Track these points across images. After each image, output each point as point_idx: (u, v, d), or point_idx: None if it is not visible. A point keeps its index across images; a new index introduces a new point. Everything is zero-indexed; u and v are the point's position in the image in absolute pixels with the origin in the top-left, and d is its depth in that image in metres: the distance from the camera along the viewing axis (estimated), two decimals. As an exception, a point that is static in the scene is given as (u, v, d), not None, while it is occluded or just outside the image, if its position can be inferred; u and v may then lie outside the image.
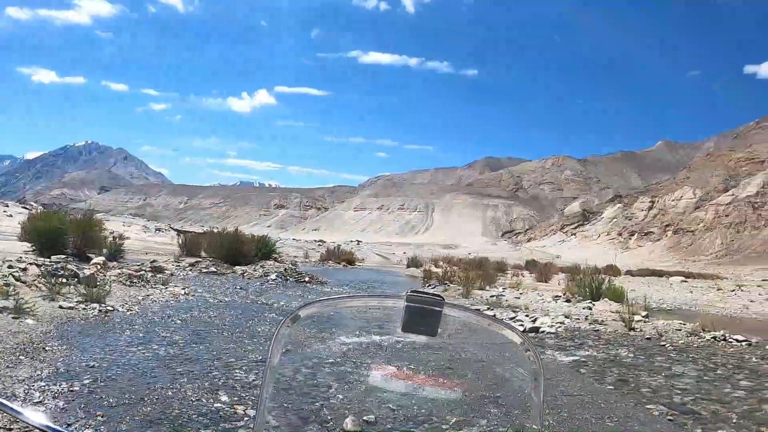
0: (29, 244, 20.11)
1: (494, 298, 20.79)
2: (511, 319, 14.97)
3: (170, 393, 6.12)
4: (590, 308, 18.29)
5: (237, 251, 26.45)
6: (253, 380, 6.98)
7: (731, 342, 13.42)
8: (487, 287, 25.33)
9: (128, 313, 11.04)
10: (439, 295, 1.25)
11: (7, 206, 56.69)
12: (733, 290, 37.28)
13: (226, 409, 5.88)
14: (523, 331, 8.25)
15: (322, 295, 18.56)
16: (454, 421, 4.17)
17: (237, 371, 7.38)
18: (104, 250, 21.34)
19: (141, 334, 9.18)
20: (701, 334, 14.04)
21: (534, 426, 1.31)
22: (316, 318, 1.32)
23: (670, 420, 6.81)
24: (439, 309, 1.23)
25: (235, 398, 6.21)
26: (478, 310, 1.20)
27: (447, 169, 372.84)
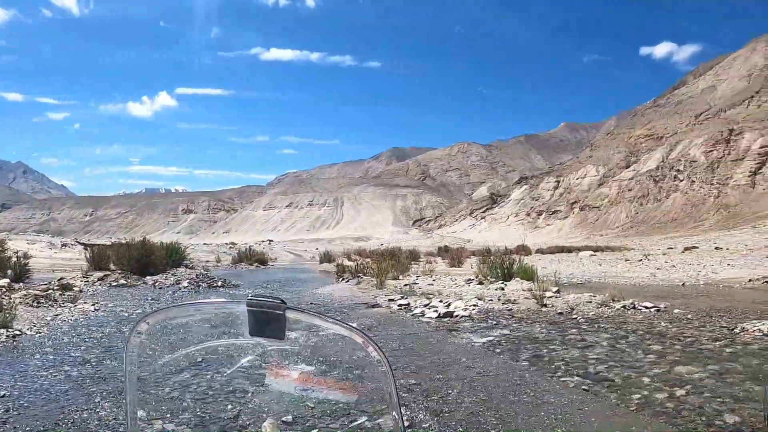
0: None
1: (407, 286, 20.89)
2: (426, 305, 15.07)
3: (85, 414, 5.99)
4: (503, 289, 18.62)
5: (146, 261, 26.02)
6: (168, 393, 6.88)
7: (640, 309, 13.85)
8: (401, 276, 25.47)
9: (37, 335, 10.73)
10: (279, 299, 1.29)
11: None
12: (640, 260, 38.39)
13: (143, 425, 5.78)
14: (438, 317, 8.39)
15: (235, 298, 18.45)
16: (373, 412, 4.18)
17: (151, 386, 7.26)
18: (8, 272, 20.72)
19: (52, 357, 8.94)
20: (611, 304, 14.43)
21: (394, 414, 1.34)
22: (165, 326, 1.33)
23: (585, 390, 6.97)
24: (281, 312, 1.25)
25: (152, 412, 6.12)
26: (322, 314, 1.20)
27: (354, 162, 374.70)
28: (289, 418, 5.29)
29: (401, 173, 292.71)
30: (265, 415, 5.76)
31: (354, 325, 1.33)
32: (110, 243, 42.15)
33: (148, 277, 23.87)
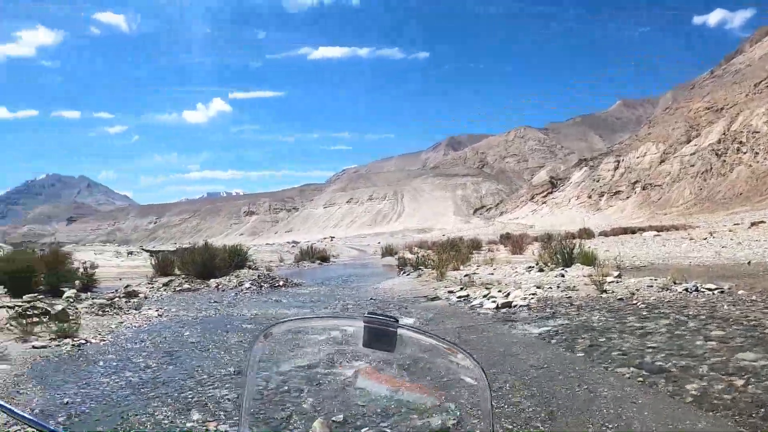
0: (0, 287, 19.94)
1: (467, 277, 20.77)
2: (484, 296, 15.04)
3: (143, 419, 6.12)
4: (563, 275, 18.42)
5: (210, 264, 26.30)
6: (225, 395, 6.98)
7: (703, 292, 13.57)
8: (461, 267, 25.38)
9: (101, 343, 10.96)
10: (393, 317, 1.39)
11: (-26, 249, 56.20)
12: (705, 238, 37.63)
13: (198, 427, 5.89)
14: (496, 308, 8.37)
15: (297, 296, 18.60)
16: (424, 411, 4.20)
17: (209, 388, 7.37)
18: (76, 282, 21.19)
19: (114, 364, 9.13)
20: (673, 287, 14.19)
21: (488, 424, 1.46)
22: (286, 334, 1.45)
23: (640, 381, 6.85)
24: (393, 329, 1.37)
25: (207, 415, 6.21)
26: (429, 332, 1.27)
27: (411, 155, 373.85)
28: (340, 417, 5.32)
29: (459, 162, 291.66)
30: (316, 414, 5.81)
31: (454, 342, 1.42)
32: (174, 248, 42.71)
33: (211, 280, 24.13)
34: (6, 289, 19.41)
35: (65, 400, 6.92)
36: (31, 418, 1.39)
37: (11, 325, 11.28)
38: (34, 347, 10.19)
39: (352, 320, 1.41)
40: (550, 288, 15.92)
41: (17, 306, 14.00)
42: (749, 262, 21.23)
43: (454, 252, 30.24)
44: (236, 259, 30.02)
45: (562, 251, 22.05)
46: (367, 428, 4.76)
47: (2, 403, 1.37)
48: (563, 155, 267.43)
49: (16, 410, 1.37)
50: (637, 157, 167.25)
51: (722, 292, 13.44)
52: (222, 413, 6.29)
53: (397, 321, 1.40)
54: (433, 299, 16.47)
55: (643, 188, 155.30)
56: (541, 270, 20.90)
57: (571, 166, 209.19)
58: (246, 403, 1.46)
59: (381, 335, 1.37)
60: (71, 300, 17.26)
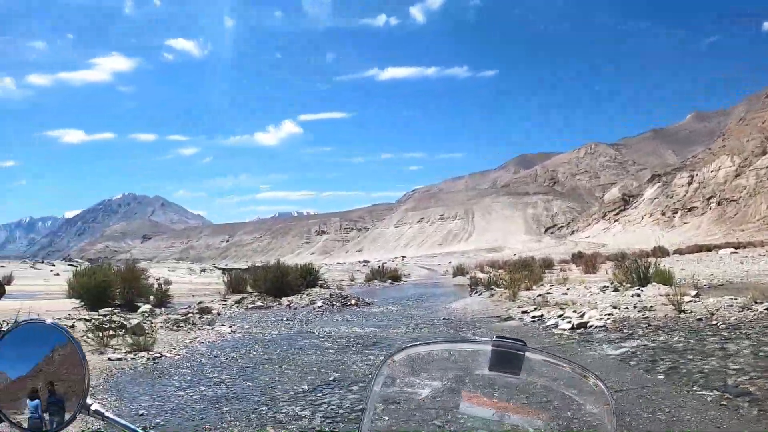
0: (78, 301, 20.39)
1: (541, 297, 20.49)
2: (559, 316, 14.82)
3: (218, 432, 6.14)
4: (639, 295, 18.03)
5: (282, 283, 26.51)
6: (299, 412, 6.98)
7: (786, 311, 13.14)
8: (534, 287, 25.07)
9: (176, 357, 11.11)
10: (521, 340, 1.34)
11: (53, 265, 58.04)
12: (785, 255, 36.61)
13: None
14: (571, 328, 8.21)
15: (369, 316, 18.59)
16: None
17: (283, 404, 7.38)
18: (151, 298, 21.58)
19: (189, 378, 9.24)
20: (754, 307, 13.76)
21: None
22: (411, 358, 1.42)
23: (723, 405, 6.62)
24: (521, 353, 1.33)
25: (282, 431, 6.22)
26: (559, 356, 1.23)
27: (481, 173, 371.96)
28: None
29: (529, 180, 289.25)
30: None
31: (584, 366, 1.38)
32: (246, 267, 43.20)
33: (283, 298, 24.31)
34: (83, 303, 19.85)
35: (140, 412, 7.01)
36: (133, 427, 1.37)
37: (88, 337, 11.47)
38: (109, 359, 10.37)
39: (480, 344, 1.38)
40: (626, 308, 15.56)
41: (94, 319, 14.30)
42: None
43: (527, 272, 29.95)
44: (308, 277, 30.24)
45: (637, 270, 21.61)
46: None
47: (109, 415, 1.36)
48: (635, 171, 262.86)
49: (117, 419, 1.36)
50: (711, 171, 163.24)
51: (807, 312, 13.01)
52: (297, 430, 6.29)
53: (525, 344, 1.35)
54: (506, 319, 16.32)
55: (719, 203, 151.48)
56: (616, 290, 20.51)
57: (644, 182, 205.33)
58: (367, 418, 1.43)
59: (509, 358, 1.34)
60: (146, 314, 17.59)
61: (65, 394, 1.40)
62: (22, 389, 1.41)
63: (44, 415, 1.41)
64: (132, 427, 1.33)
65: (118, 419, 1.34)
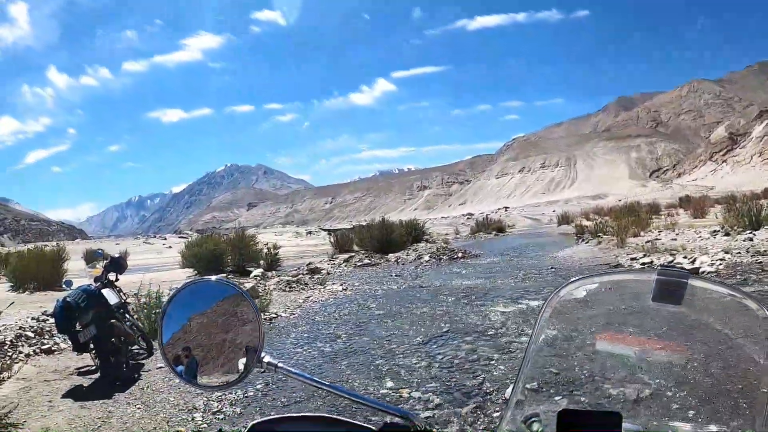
0: (192, 270, 21.06)
1: (649, 243, 20.08)
2: (669, 262, 14.54)
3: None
4: (751, 239, 17.48)
5: (387, 240, 26.71)
6: (415, 363, 7.09)
7: None
8: (642, 233, 24.58)
9: (291, 316, 11.39)
10: (685, 269, 1.33)
11: (165, 239, 60.27)
12: None
13: (392, 394, 6.01)
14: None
15: (477, 267, 18.59)
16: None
17: (399, 357, 7.50)
18: (261, 262, 22.07)
19: (305, 335, 9.47)
20: None
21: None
22: (571, 293, 1.41)
23: None
24: (685, 281, 1.31)
25: (401, 383, 6.33)
26: (726, 283, 1.21)
27: (580, 119, 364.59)
28: (535, 384, 5.28)
29: (631, 123, 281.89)
30: (509, 381, 5.79)
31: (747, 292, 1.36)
32: (351, 226, 43.67)
33: (390, 255, 24.50)
34: (197, 272, 20.49)
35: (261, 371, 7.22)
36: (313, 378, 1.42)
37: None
38: (229, 323, 10.68)
39: (645, 273, 1.37)
40: (739, 253, 15.12)
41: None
42: None
43: (633, 218, 29.39)
44: (413, 233, 30.36)
45: (748, 213, 20.89)
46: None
47: (282, 365, 1.42)
48: (742, 108, 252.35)
49: (295, 371, 1.41)
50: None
51: None
52: (415, 380, 6.40)
53: (690, 273, 1.33)
54: (615, 266, 16.09)
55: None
56: (727, 234, 19.91)
57: (752, 119, 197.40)
58: (527, 365, 1.43)
59: (673, 288, 1.32)
60: (259, 278, 18.05)
61: (240, 347, 1.45)
62: (197, 346, 1.47)
63: (220, 369, 1.45)
64: (306, 375, 1.38)
65: (291, 369, 1.39)
